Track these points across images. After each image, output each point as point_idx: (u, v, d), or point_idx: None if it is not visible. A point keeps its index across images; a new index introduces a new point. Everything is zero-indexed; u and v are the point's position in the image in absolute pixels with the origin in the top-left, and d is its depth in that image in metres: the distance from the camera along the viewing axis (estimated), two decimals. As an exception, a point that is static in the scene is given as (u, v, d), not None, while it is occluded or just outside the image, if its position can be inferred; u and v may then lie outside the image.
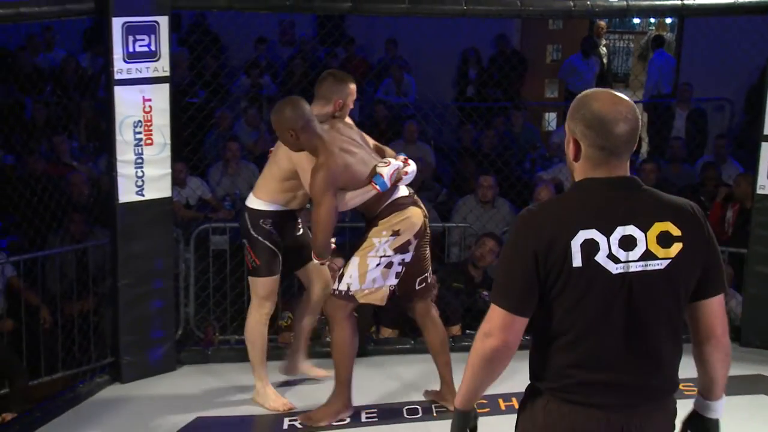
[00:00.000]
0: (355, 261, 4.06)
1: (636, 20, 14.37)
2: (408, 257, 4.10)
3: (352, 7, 4.68)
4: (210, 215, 6.67)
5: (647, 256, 2.26)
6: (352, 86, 4.22)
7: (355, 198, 4.00)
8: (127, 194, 4.45)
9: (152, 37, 4.40)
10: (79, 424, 4.20)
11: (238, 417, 4.29)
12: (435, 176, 7.65)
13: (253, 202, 4.24)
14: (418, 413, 4.33)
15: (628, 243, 2.25)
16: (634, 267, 2.25)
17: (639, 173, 7.15)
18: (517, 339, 2.29)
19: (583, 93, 2.33)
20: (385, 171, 3.99)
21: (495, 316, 2.29)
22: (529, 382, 2.39)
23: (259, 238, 4.20)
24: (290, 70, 9.46)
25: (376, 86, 9.61)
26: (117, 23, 4.28)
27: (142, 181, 4.45)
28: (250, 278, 4.33)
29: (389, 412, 4.33)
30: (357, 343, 4.21)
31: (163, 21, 4.42)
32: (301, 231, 4.40)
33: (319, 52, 9.71)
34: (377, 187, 3.98)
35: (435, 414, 4.32)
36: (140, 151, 4.44)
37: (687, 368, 2.40)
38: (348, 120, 4.26)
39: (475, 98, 9.49)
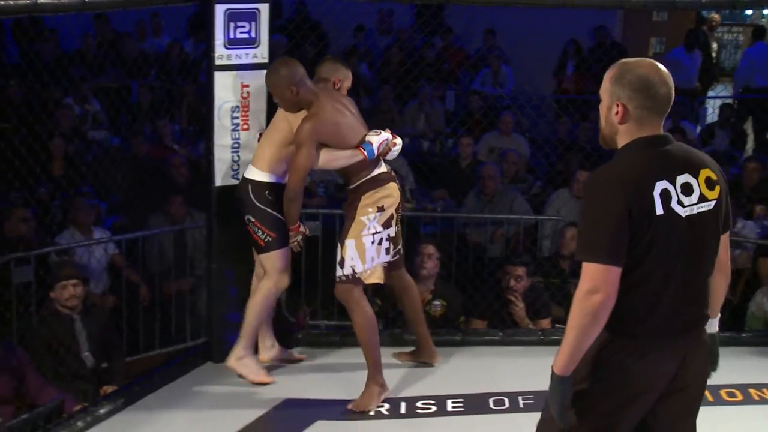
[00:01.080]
0: (351, 243, 4.12)
1: (748, 11, 13.89)
2: (392, 231, 4.21)
3: (437, -4, 4.67)
4: (305, 201, 6.74)
5: (702, 199, 2.57)
6: (349, 72, 4.36)
7: (340, 159, 4.09)
8: (223, 178, 4.54)
9: (253, 24, 4.47)
10: (172, 401, 4.32)
11: (326, 400, 4.34)
12: (529, 168, 7.58)
13: (253, 173, 4.27)
14: (504, 404, 4.31)
15: (688, 189, 2.55)
16: (695, 209, 2.55)
17: (742, 171, 6.95)
18: (617, 290, 2.47)
19: (623, 61, 2.61)
20: (375, 139, 4.09)
21: (596, 271, 2.46)
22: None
23: (267, 209, 4.23)
24: (387, 58, 9.51)
25: (472, 76, 9.57)
26: (219, 10, 4.36)
27: (238, 165, 4.53)
28: (264, 255, 4.30)
29: (475, 403, 4.33)
30: (376, 321, 4.30)
31: (264, 8, 4.49)
32: None
33: (416, 42, 9.71)
34: (365, 152, 4.07)
35: (522, 405, 4.29)
36: (237, 136, 4.52)
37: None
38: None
39: (572, 90, 9.36)
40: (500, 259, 5.75)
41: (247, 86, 4.50)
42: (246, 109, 4.51)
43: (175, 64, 8.56)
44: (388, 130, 4.22)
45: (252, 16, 4.46)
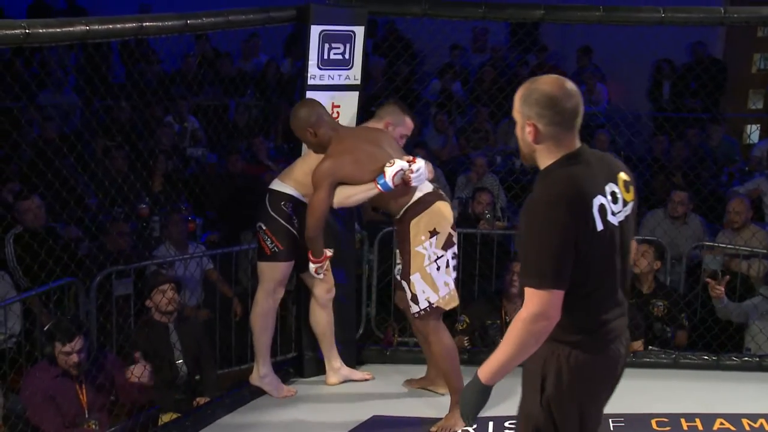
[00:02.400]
0: (417, 277, 4.08)
1: None
2: (455, 249, 4.15)
3: (544, 15, 4.65)
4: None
5: (624, 204, 2.63)
6: (409, 123, 4.32)
7: (357, 195, 4.06)
8: (314, 195, 4.60)
9: (347, 45, 4.53)
10: (262, 414, 4.40)
11: (414, 418, 4.35)
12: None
13: (276, 184, 4.31)
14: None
15: (614, 197, 2.60)
16: (622, 216, 2.62)
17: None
18: (559, 313, 2.53)
19: (530, 80, 2.63)
20: (388, 171, 3.99)
21: (543, 299, 2.49)
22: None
23: (279, 219, 4.24)
24: (480, 77, 9.50)
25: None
26: (315, 31, 4.43)
27: (329, 183, 4.58)
28: (263, 263, 4.32)
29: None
30: (456, 349, 4.26)
31: (360, 31, 4.53)
32: None
33: (510, 60, 9.67)
34: (379, 186, 4.01)
35: (612, 428, 4.21)
36: (328, 154, 4.58)
37: None
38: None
39: (668, 108, 9.17)
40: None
41: (338, 106, 4.56)
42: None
43: (271, 82, 8.74)
44: (408, 158, 4.09)
45: (347, 38, 4.52)
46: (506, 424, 4.26)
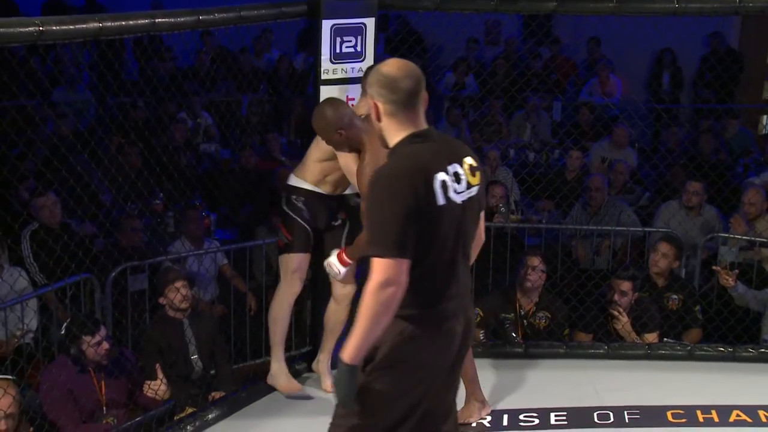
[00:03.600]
0: None
1: None
2: None
3: (557, 7, 4.63)
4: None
5: (469, 185, 2.78)
6: None
7: None
8: (328, 189, 4.61)
9: (359, 38, 4.53)
10: (279, 408, 4.41)
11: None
12: (637, 179, 7.43)
13: (291, 179, 4.31)
14: (609, 419, 4.24)
15: (457, 178, 2.74)
16: (466, 195, 2.76)
17: None
18: (407, 281, 2.64)
19: (375, 64, 2.83)
20: None
21: (388, 266, 2.60)
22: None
23: (291, 213, 4.24)
24: (493, 69, 9.49)
25: (579, 87, 9.46)
26: (326, 25, 4.43)
27: (343, 177, 4.59)
28: (281, 257, 4.35)
29: (579, 416, 4.27)
30: None
31: (370, 23, 4.54)
32: (339, 222, 4.39)
33: (523, 52, 9.66)
34: None
35: (627, 420, 4.22)
36: (341, 149, 4.58)
37: None
38: None
39: (667, 99, 9.14)
40: (606, 272, 5.65)
41: (352, 99, 4.55)
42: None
43: (283, 78, 8.75)
44: None
45: (358, 31, 4.52)
46: (521, 417, 4.26)
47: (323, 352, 4.61)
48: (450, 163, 2.73)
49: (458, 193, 2.73)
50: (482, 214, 2.98)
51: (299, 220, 4.27)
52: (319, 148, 4.21)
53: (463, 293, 2.85)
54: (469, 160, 2.80)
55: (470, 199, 2.78)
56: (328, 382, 4.52)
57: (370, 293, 2.61)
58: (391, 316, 2.65)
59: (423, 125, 2.77)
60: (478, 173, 2.82)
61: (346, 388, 2.74)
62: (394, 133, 2.76)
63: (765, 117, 10.09)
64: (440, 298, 2.76)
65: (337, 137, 3.94)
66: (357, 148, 3.99)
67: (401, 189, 2.62)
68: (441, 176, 2.68)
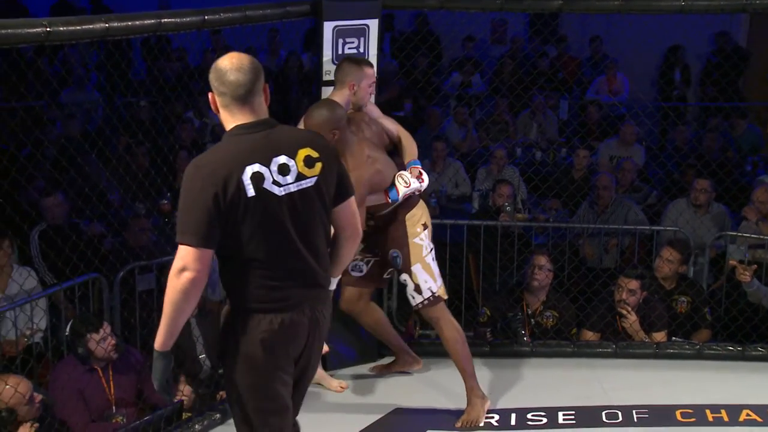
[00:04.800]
0: (418, 267, 4.12)
1: None
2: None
3: (562, 5, 4.62)
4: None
5: (300, 177, 2.80)
6: (369, 70, 4.16)
7: (366, 204, 4.01)
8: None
9: (361, 39, 4.52)
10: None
11: (436, 409, 4.36)
12: (644, 178, 7.43)
13: None
14: (617, 418, 4.23)
15: (284, 170, 2.77)
16: (294, 187, 2.79)
17: None
18: (207, 269, 2.72)
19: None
20: (402, 189, 4.04)
21: (186, 253, 2.68)
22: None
23: None
24: (500, 68, 9.48)
25: (585, 85, 9.45)
26: (328, 27, 4.43)
27: (346, 177, 4.60)
28: None
29: (587, 416, 4.27)
30: (463, 334, 4.27)
31: (373, 24, 4.52)
32: None
33: (529, 51, 9.66)
34: (389, 199, 4.03)
35: (636, 420, 4.21)
36: (345, 149, 4.58)
37: None
38: (371, 107, 4.25)
39: (684, 98, 9.12)
40: (614, 271, 5.64)
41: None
42: None
43: (292, 77, 8.75)
44: (414, 170, 4.10)
45: (361, 32, 4.52)
46: (528, 416, 4.26)
47: None
48: (276, 155, 2.76)
49: (282, 185, 2.76)
50: (348, 205, 2.97)
51: None
52: None
53: (308, 285, 2.87)
54: (306, 152, 2.82)
55: (304, 190, 2.81)
56: (332, 382, 4.55)
57: (169, 279, 2.72)
58: (191, 302, 2.74)
59: (256, 117, 2.80)
60: (318, 164, 2.83)
61: (159, 375, 2.85)
62: (227, 125, 2.83)
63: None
64: (273, 290, 2.80)
65: (330, 137, 3.91)
66: (340, 152, 3.97)
67: (202, 180, 2.68)
68: (254, 168, 2.72)
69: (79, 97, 8.34)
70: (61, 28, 3.37)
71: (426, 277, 4.13)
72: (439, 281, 4.18)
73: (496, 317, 5.12)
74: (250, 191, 2.72)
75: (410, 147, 4.25)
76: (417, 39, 6.50)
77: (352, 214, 3.00)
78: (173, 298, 2.72)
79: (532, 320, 5.10)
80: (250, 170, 2.72)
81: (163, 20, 3.79)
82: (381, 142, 4.19)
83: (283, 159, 2.78)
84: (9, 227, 5.14)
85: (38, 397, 3.89)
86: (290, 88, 8.83)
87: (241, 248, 2.76)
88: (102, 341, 4.20)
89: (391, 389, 4.55)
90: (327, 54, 4.46)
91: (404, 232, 4.13)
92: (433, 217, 6.18)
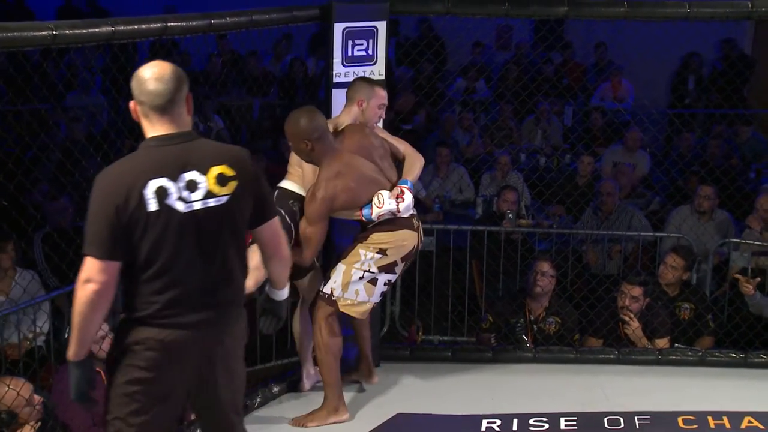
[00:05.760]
0: (340, 268, 4.09)
1: None
2: (393, 278, 4.13)
3: (568, 11, 4.64)
4: (421, 216, 6.79)
5: (209, 195, 2.72)
6: (380, 92, 4.20)
7: (342, 215, 4.02)
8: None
9: (370, 41, 4.54)
10: (285, 412, 4.41)
11: (438, 415, 4.36)
12: (648, 184, 7.42)
13: (284, 183, 4.18)
14: (619, 424, 4.23)
15: (192, 186, 2.70)
16: (200, 205, 2.71)
17: None
18: (113, 280, 2.68)
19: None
20: (375, 210, 3.98)
21: (89, 264, 2.66)
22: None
23: (282, 211, 3.99)
24: (504, 74, 9.49)
25: (590, 92, 9.45)
26: (338, 28, 4.45)
27: (354, 181, 4.60)
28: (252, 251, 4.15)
29: (589, 421, 4.26)
30: (340, 345, 4.20)
31: (382, 26, 4.55)
32: None
33: (534, 57, 9.68)
34: (363, 216, 4.00)
35: (638, 426, 4.21)
36: (353, 152, 4.59)
37: None
38: (378, 130, 4.22)
39: (695, 105, 9.12)
40: (617, 277, 5.64)
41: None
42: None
43: (298, 80, 8.76)
44: (396, 189, 4.04)
45: (370, 34, 4.54)
46: (531, 422, 4.26)
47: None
48: (185, 171, 2.70)
49: (187, 201, 2.69)
50: (269, 227, 2.88)
51: (290, 221, 4.10)
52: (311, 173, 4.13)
53: (209, 305, 2.78)
54: (220, 170, 2.74)
55: (212, 208, 2.72)
56: (308, 384, 4.53)
57: (75, 289, 2.70)
58: (98, 312, 2.70)
59: (175, 128, 2.74)
60: (232, 183, 2.74)
61: (75, 384, 2.80)
62: (146, 135, 2.78)
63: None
64: (166, 307, 2.72)
65: (303, 146, 3.93)
66: (316, 163, 3.98)
67: (105, 191, 2.67)
68: (159, 182, 2.66)
69: (84, 101, 8.36)
70: (67, 32, 3.38)
71: (338, 279, 4.08)
72: (349, 294, 4.08)
73: (499, 323, 5.12)
74: (152, 206, 2.66)
75: (409, 167, 4.20)
76: (422, 44, 6.51)
77: (272, 235, 2.92)
78: (80, 309, 2.69)
79: (535, 326, 5.10)
80: (154, 184, 2.66)
81: (169, 24, 3.81)
82: (379, 154, 4.11)
83: (192, 175, 2.71)
84: (13, 230, 5.15)
85: (38, 399, 3.89)
86: (296, 93, 8.84)
87: (141, 261, 2.70)
88: (101, 341, 4.17)
89: (392, 394, 4.55)
90: (337, 56, 4.48)
91: (359, 237, 4.09)
92: (437, 222, 6.26)
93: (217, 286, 2.79)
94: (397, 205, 4.02)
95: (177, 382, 2.80)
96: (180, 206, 2.69)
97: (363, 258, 4.06)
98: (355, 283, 4.09)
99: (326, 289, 4.13)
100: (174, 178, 2.69)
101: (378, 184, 4.04)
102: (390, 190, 4.04)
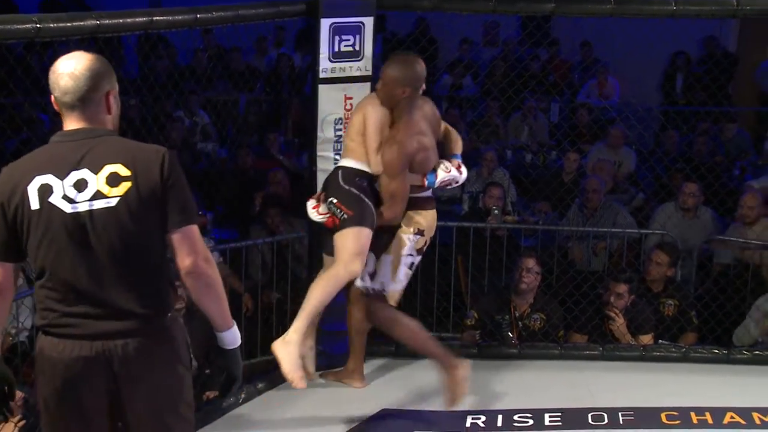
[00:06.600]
0: (388, 260, 4.04)
1: None
2: (418, 261, 4.10)
3: (555, 8, 4.64)
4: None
5: (97, 195, 2.49)
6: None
7: (409, 180, 3.97)
8: (325, 188, 4.61)
9: (357, 37, 4.54)
10: (273, 407, 4.41)
11: (422, 411, 4.36)
12: (634, 181, 7.45)
13: (346, 162, 4.07)
14: (603, 420, 4.24)
15: (80, 185, 2.49)
16: (87, 206, 2.49)
17: None
18: (8, 283, 2.58)
19: None
20: (442, 175, 4.00)
21: None
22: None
23: (352, 189, 3.94)
24: (491, 70, 9.50)
25: (576, 89, 9.48)
26: (325, 24, 4.45)
27: (340, 176, 4.60)
28: (337, 234, 3.95)
29: (574, 417, 4.28)
30: (414, 322, 4.19)
31: (369, 21, 4.55)
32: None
33: (520, 54, 9.69)
34: (426, 182, 4.00)
35: (621, 422, 4.23)
36: (339, 148, 4.59)
37: None
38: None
39: (681, 102, 9.17)
40: (602, 273, 5.66)
41: (350, 98, 4.57)
42: (349, 121, 4.58)
43: (284, 75, 8.75)
44: (455, 161, 4.09)
45: (357, 30, 4.54)
46: (515, 418, 4.27)
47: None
48: (77, 169, 2.49)
49: (74, 201, 2.48)
50: (183, 236, 2.55)
51: (362, 195, 3.96)
52: (354, 126, 4.07)
53: (107, 316, 2.53)
54: (113, 169, 2.50)
55: (101, 210, 2.49)
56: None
57: None
58: (2, 312, 2.62)
59: (80, 125, 2.56)
60: (126, 184, 2.49)
61: None
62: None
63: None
64: (61, 314, 2.53)
65: (399, 92, 3.88)
66: (397, 114, 3.93)
67: None
68: (44, 179, 2.48)
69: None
70: (52, 25, 3.36)
71: (387, 273, 4.06)
72: (399, 285, 4.09)
73: (485, 320, 5.13)
74: (34, 204, 2.48)
75: (456, 139, 4.24)
76: (410, 40, 6.49)
77: (181, 245, 2.55)
78: None
79: (520, 323, 5.11)
80: (38, 181, 2.49)
81: (154, 18, 3.80)
82: (436, 129, 4.13)
83: (83, 173, 2.50)
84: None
85: (20, 394, 3.86)
86: (282, 88, 8.83)
87: (34, 264, 2.56)
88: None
89: (377, 391, 4.55)
90: (323, 51, 4.47)
91: (398, 224, 4.06)
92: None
93: (113, 295, 2.53)
94: (459, 175, 4.07)
95: (86, 397, 2.56)
96: (64, 206, 2.49)
97: (408, 242, 4.06)
98: (401, 270, 4.08)
99: (376, 286, 4.09)
100: (62, 175, 2.50)
101: (437, 155, 4.05)
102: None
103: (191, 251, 2.56)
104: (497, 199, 6.29)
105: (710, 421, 4.23)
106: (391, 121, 3.98)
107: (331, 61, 4.50)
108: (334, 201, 3.99)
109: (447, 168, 4.04)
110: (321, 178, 4.57)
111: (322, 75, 4.51)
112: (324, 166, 4.58)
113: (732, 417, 4.27)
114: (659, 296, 5.34)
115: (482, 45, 10.43)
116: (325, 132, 4.59)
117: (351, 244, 3.91)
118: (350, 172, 4.02)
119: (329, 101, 4.55)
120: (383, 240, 4.08)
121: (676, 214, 6.16)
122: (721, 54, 9.56)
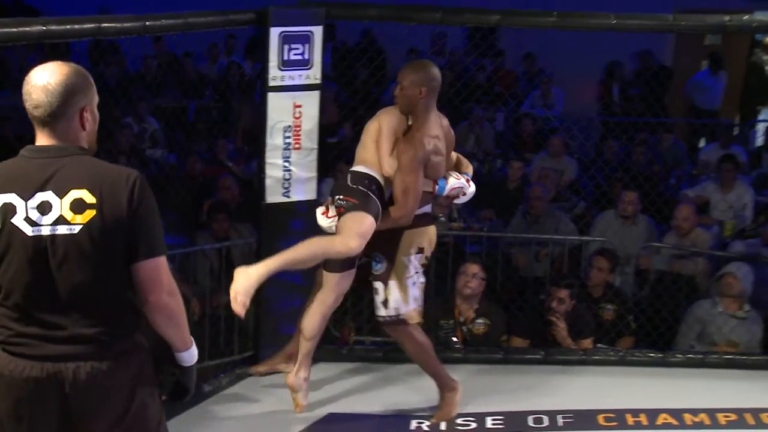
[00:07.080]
0: (393, 285, 4.06)
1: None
2: (423, 279, 4.14)
3: (500, 20, 4.74)
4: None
5: (60, 220, 2.41)
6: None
7: (424, 186, 3.98)
8: (273, 195, 4.66)
9: (306, 46, 4.59)
10: (219, 413, 4.43)
11: (368, 414, 4.42)
12: (575, 189, 7.62)
13: (358, 167, 4.06)
14: (543, 422, 4.35)
15: (44, 208, 2.41)
16: (48, 230, 2.41)
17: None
18: None
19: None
20: (452, 182, 4.05)
21: None
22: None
23: (359, 187, 3.93)
24: (438, 80, 9.61)
25: (521, 99, 9.64)
26: (274, 32, 4.49)
27: (289, 183, 4.67)
28: (341, 219, 3.91)
29: (515, 420, 4.38)
30: (430, 343, 4.26)
31: (318, 31, 4.60)
32: None
33: (467, 64, 9.83)
34: (436, 188, 4.02)
35: (561, 423, 4.34)
36: (288, 155, 4.65)
37: None
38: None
39: (619, 113, 9.39)
40: (544, 279, 5.79)
41: (299, 106, 4.62)
42: (298, 129, 4.63)
43: (234, 83, 8.77)
44: (464, 175, 4.14)
45: (306, 39, 4.59)
46: (458, 421, 4.35)
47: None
48: (42, 190, 2.42)
49: (35, 224, 2.41)
50: (146, 269, 2.48)
51: (368, 191, 3.94)
52: (369, 134, 4.09)
53: (64, 340, 2.46)
54: (78, 195, 2.42)
55: (62, 237, 2.42)
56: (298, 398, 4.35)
57: None
58: None
59: (50, 141, 2.48)
60: (90, 212, 2.41)
61: None
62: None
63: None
64: (12, 334, 2.48)
65: (416, 92, 3.92)
66: (414, 115, 3.96)
67: None
68: (7, 198, 2.41)
69: (16, 101, 8.24)
70: (-2, 30, 3.36)
71: (396, 296, 4.09)
72: (412, 305, 4.11)
73: (429, 324, 5.20)
74: None
75: (468, 165, 4.27)
76: (358, 49, 6.58)
77: (146, 278, 2.50)
78: None
79: (465, 327, 5.20)
80: (1, 200, 2.42)
81: (102, 25, 3.80)
82: (450, 143, 4.15)
83: (47, 196, 2.42)
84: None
85: None
86: (232, 96, 8.85)
87: None
88: None
89: (323, 394, 4.59)
90: (273, 60, 4.52)
91: (397, 245, 4.05)
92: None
93: (68, 319, 2.47)
94: (467, 186, 4.11)
95: (37, 417, 2.50)
96: (26, 228, 2.42)
97: (408, 264, 4.06)
98: (412, 290, 4.09)
99: (390, 312, 4.10)
100: (26, 196, 2.42)
101: (446, 167, 4.09)
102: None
103: (154, 286, 2.51)
104: (444, 207, 6.37)
105: (645, 422, 4.36)
106: (406, 130, 4.02)
107: (281, 70, 4.55)
108: (341, 197, 3.99)
109: (458, 176, 4.08)
110: (270, 185, 4.64)
111: (271, 83, 4.55)
112: (273, 173, 4.63)
113: (665, 418, 4.40)
114: (599, 301, 5.49)
115: (430, 55, 10.55)
116: (274, 139, 4.63)
117: (353, 223, 3.88)
118: (360, 176, 4.03)
119: (278, 109, 4.60)
120: (387, 268, 4.08)
121: (616, 222, 6.33)
122: (657, 67, 9.82)
